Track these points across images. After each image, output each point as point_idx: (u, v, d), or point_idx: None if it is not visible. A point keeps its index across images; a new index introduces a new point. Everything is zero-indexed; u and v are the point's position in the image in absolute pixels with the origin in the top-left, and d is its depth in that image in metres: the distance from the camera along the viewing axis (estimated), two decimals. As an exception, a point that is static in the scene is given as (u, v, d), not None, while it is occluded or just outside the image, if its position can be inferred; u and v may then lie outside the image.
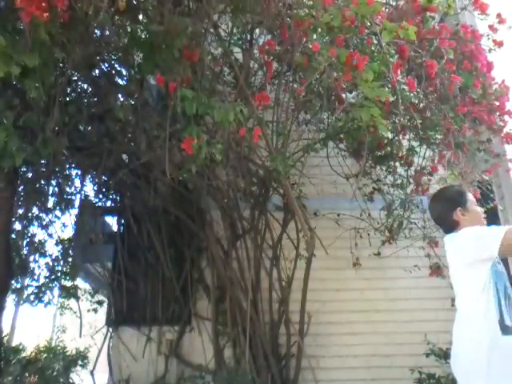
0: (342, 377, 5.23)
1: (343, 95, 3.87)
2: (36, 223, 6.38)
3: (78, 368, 6.40)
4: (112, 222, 6.87)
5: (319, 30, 3.13)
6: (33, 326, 14.41)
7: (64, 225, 6.58)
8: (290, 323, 5.04)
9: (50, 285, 6.43)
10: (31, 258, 6.43)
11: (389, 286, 5.57)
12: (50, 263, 6.47)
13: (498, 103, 4.11)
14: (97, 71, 4.50)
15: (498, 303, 2.07)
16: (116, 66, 4.63)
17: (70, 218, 6.58)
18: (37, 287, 6.39)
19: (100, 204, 6.49)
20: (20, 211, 6.03)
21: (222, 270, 5.18)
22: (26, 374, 5.55)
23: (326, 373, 5.23)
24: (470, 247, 2.19)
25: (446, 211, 2.38)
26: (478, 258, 2.13)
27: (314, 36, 3.18)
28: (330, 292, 5.48)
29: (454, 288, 2.29)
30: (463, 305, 2.21)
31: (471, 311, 2.14)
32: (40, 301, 6.36)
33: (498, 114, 4.17)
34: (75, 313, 7.04)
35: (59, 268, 6.51)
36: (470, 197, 2.43)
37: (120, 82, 4.80)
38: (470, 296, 2.15)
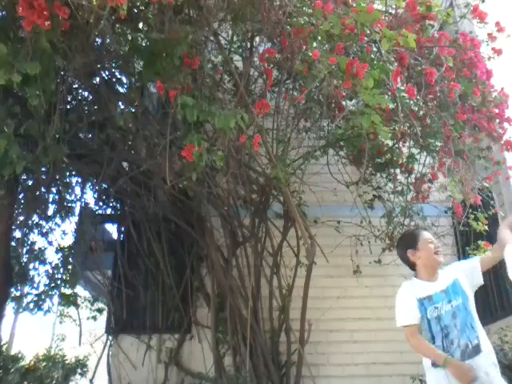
0: (342, 385, 5.21)
1: (343, 103, 3.88)
2: (36, 231, 6.36)
3: (78, 376, 6.36)
4: (112, 229, 6.88)
5: (319, 37, 3.15)
6: (32, 334, 14.34)
7: (64, 232, 6.55)
8: (290, 331, 5.01)
9: (50, 293, 6.38)
10: (31, 266, 6.40)
11: (389, 294, 5.47)
12: (50, 271, 6.43)
13: (497, 111, 4.12)
14: (97, 79, 4.50)
15: (432, 339, 2.50)
16: (116, 73, 4.66)
17: (70, 225, 6.60)
18: (36, 295, 6.35)
19: (100, 212, 6.49)
20: (20, 219, 6.02)
21: (222, 278, 5.16)
22: (25, 383, 5.50)
23: (327, 381, 5.20)
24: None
25: (401, 254, 2.69)
26: None
27: (314, 44, 3.20)
28: (330, 300, 5.46)
29: None
30: None
31: None
32: (39, 309, 6.32)
33: (497, 121, 4.18)
34: (75, 321, 7.02)
35: (59, 276, 6.46)
36: (424, 236, 2.63)
37: (120, 89, 4.83)
38: None
